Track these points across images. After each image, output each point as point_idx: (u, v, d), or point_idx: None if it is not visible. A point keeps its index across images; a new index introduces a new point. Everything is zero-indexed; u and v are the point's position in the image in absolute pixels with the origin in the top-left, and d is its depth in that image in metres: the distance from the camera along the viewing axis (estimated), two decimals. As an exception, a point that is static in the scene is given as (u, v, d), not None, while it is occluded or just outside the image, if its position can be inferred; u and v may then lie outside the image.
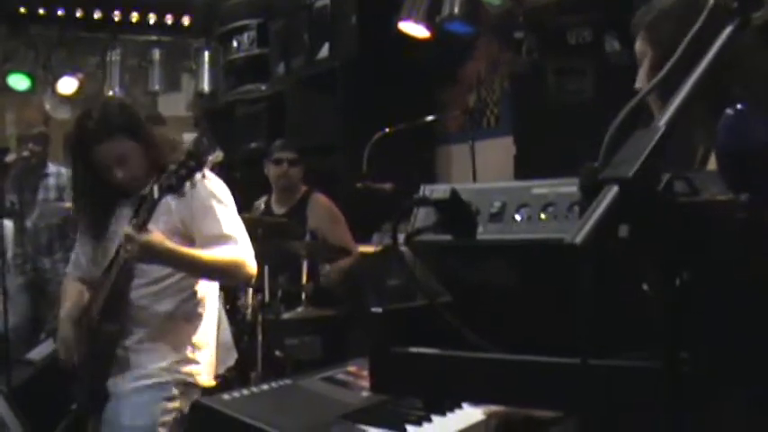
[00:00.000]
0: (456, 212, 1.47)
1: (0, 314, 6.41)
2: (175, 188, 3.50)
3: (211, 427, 2.35)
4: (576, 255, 0.98)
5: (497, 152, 6.68)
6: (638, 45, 2.57)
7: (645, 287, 1.16)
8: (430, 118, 6.41)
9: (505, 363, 1.37)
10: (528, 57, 6.06)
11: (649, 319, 1.17)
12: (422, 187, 1.54)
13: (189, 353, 3.81)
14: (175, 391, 3.74)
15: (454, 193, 1.46)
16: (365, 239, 6.63)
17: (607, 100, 5.52)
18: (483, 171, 6.17)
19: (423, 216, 1.52)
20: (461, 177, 7.11)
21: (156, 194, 3.51)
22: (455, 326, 1.43)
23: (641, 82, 2.63)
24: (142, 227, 3.53)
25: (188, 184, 3.51)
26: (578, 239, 0.97)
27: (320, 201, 6.61)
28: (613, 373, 1.21)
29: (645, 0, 5.09)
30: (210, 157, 6.34)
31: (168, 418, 3.69)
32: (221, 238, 3.69)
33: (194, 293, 3.85)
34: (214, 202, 3.74)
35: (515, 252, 1.44)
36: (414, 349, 1.47)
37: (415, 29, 6.69)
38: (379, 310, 1.53)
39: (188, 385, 3.78)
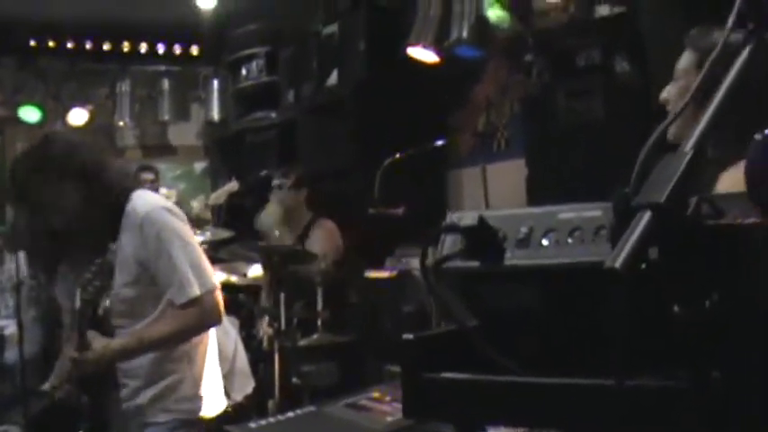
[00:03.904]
0: (484, 239, 1.49)
1: (16, 346, 6.46)
2: (94, 302, 3.48)
3: (239, 456, 2.36)
4: (613, 279, 1.00)
5: (509, 175, 6.69)
6: (684, 62, 2.64)
7: (675, 308, 1.17)
8: (440, 142, 6.43)
9: (539, 386, 1.38)
10: (538, 79, 6.08)
11: (680, 339, 1.19)
12: (448, 214, 1.56)
13: (187, 390, 3.67)
14: (177, 425, 3.65)
15: (482, 219, 1.48)
16: (377, 264, 6.65)
17: (617, 120, 5.54)
18: (495, 194, 6.19)
19: (450, 242, 1.54)
20: (473, 201, 7.13)
21: (77, 305, 3.45)
22: (487, 351, 1.44)
23: (668, 92, 2.71)
24: (83, 346, 3.44)
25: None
26: (618, 264, 0.99)
27: (324, 225, 6.66)
28: (648, 393, 1.23)
29: (654, 23, 5.14)
30: (226, 188, 6.43)
31: None
32: (179, 284, 3.46)
33: None
34: (168, 241, 3.48)
35: (544, 277, 1.46)
36: (446, 374, 1.48)
37: (423, 54, 6.72)
38: (410, 336, 1.54)
39: (189, 422, 3.68)
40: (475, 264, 1.51)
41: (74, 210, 3.52)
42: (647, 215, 1.05)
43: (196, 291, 3.46)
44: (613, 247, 1.06)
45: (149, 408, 3.64)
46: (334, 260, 6.45)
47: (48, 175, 3.53)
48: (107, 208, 3.56)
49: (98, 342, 3.50)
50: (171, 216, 3.56)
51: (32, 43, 9.91)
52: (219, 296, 3.56)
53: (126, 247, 3.52)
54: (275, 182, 6.72)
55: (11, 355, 7.16)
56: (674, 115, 1.28)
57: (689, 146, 1.17)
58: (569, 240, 1.44)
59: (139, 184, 3.92)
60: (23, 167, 3.63)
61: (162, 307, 3.56)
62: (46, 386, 6.10)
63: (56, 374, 3.86)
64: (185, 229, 3.59)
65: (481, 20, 6.40)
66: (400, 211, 6.06)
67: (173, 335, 3.54)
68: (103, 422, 3.71)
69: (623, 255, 1.00)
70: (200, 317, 3.52)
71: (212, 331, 3.80)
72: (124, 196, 3.58)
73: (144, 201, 3.59)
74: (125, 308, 3.59)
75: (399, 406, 2.64)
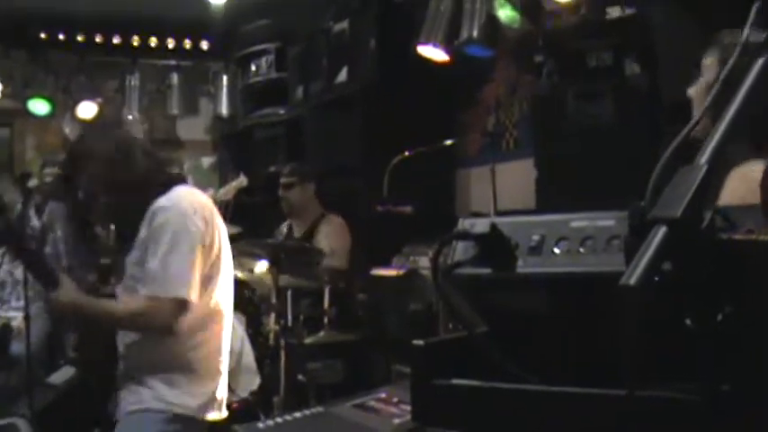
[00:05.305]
0: (496, 246, 1.49)
1: (23, 339, 6.46)
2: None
3: (246, 455, 2.36)
4: (628, 296, 1.00)
5: (516, 175, 6.70)
6: (707, 59, 2.67)
7: (687, 321, 1.18)
8: (449, 141, 6.42)
9: (548, 394, 1.38)
10: (547, 79, 6.08)
11: (692, 352, 1.19)
12: (460, 220, 1.57)
13: (187, 386, 3.70)
14: (171, 418, 3.65)
15: (494, 227, 1.49)
16: (384, 262, 6.64)
17: (627, 122, 5.54)
18: (503, 194, 6.19)
19: (462, 249, 1.55)
20: (481, 200, 7.13)
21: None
22: (496, 358, 1.44)
23: (694, 91, 2.74)
24: (55, 284, 3.59)
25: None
26: (633, 281, 0.99)
27: (333, 221, 6.66)
28: (658, 404, 1.23)
29: (665, 26, 5.13)
30: (234, 183, 6.43)
31: None
32: (150, 278, 3.56)
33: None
34: (164, 239, 3.57)
35: (555, 285, 1.46)
36: (456, 381, 1.49)
37: (433, 53, 6.72)
38: (421, 342, 1.54)
39: (185, 418, 3.68)
40: (487, 270, 1.51)
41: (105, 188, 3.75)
42: (662, 230, 1.05)
43: (158, 291, 3.54)
44: (627, 261, 1.06)
45: (148, 394, 3.67)
46: (341, 256, 6.43)
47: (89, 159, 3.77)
48: (134, 196, 3.73)
49: (71, 289, 3.62)
50: (182, 218, 3.62)
51: (43, 36, 9.93)
52: (182, 310, 3.57)
53: (143, 231, 3.65)
54: (282, 180, 6.73)
55: (16, 346, 7.17)
56: (684, 133, 1.27)
57: (704, 159, 1.17)
58: (581, 249, 1.44)
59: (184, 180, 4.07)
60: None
61: None
62: (51, 379, 6.13)
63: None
64: (192, 235, 3.62)
65: (492, 19, 6.40)
66: (408, 209, 6.07)
67: (123, 316, 3.66)
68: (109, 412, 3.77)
69: (638, 272, 1.00)
70: (151, 315, 3.57)
71: (228, 334, 3.89)
72: (159, 189, 3.73)
73: (170, 197, 3.70)
74: (129, 282, 3.71)
75: (407, 407, 2.64)
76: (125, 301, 3.69)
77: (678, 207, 1.07)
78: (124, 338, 3.76)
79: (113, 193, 3.75)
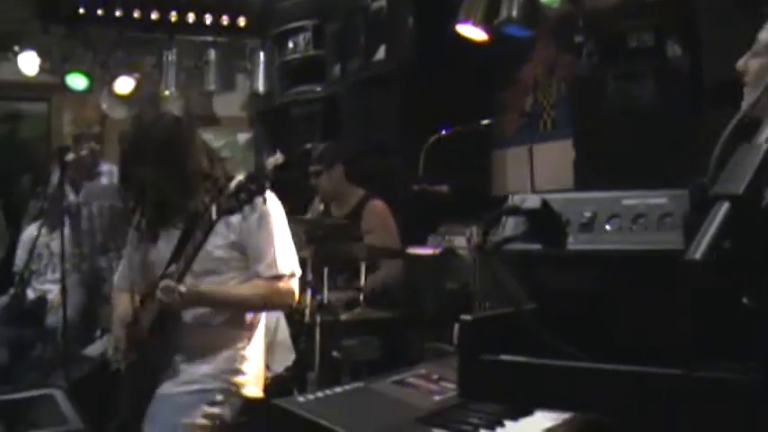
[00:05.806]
0: (546, 222, 1.48)
1: (59, 311, 6.52)
2: (234, 211, 3.64)
3: (286, 429, 2.38)
4: (694, 271, 0.99)
5: (554, 155, 6.66)
6: (765, 33, 2.63)
7: (745, 300, 1.16)
8: (486, 121, 6.39)
9: (596, 372, 1.38)
10: (587, 60, 6.04)
11: (750, 331, 1.18)
12: (510, 197, 1.56)
13: (237, 363, 3.89)
14: (219, 398, 3.81)
15: (545, 203, 1.48)
16: (420, 242, 6.63)
17: (667, 104, 5.49)
18: (539, 174, 6.17)
19: (512, 225, 1.54)
20: (517, 180, 7.11)
21: (213, 216, 3.63)
22: (543, 335, 1.44)
23: (748, 64, 2.70)
24: (181, 276, 3.68)
25: (247, 207, 3.66)
26: (698, 256, 0.98)
27: (376, 207, 6.62)
28: (713, 383, 1.22)
29: (707, 7, 5.07)
30: (271, 160, 6.42)
31: (207, 421, 3.76)
32: (271, 260, 3.83)
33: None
34: (272, 223, 3.86)
35: (606, 262, 1.45)
36: (504, 357, 1.48)
37: (472, 32, 6.69)
38: (469, 317, 1.54)
39: (232, 394, 3.86)
40: (537, 246, 1.50)
41: (161, 192, 3.87)
42: (725, 206, 1.04)
43: (282, 270, 3.85)
44: (688, 236, 1.05)
45: (202, 373, 3.83)
46: (380, 236, 6.39)
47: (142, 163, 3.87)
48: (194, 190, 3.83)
49: (188, 281, 3.74)
50: (274, 201, 3.93)
51: (81, 11, 9.94)
52: (297, 283, 3.94)
53: (233, 218, 3.78)
54: (310, 168, 6.73)
55: (52, 319, 7.24)
56: (744, 111, 1.26)
57: (764, 137, 1.15)
58: (633, 227, 1.43)
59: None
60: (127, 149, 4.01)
61: (244, 275, 3.89)
62: (87, 351, 6.19)
63: (112, 338, 4.04)
64: (283, 215, 3.97)
65: (531, -1, 6.37)
66: (444, 188, 6.06)
67: (253, 300, 3.88)
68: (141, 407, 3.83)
69: (703, 246, 0.99)
70: (280, 293, 3.86)
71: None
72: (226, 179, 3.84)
73: None
74: (211, 265, 3.84)
75: (446, 385, 2.66)
76: (249, 285, 3.86)
77: (740, 184, 1.06)
78: (174, 324, 3.86)
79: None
